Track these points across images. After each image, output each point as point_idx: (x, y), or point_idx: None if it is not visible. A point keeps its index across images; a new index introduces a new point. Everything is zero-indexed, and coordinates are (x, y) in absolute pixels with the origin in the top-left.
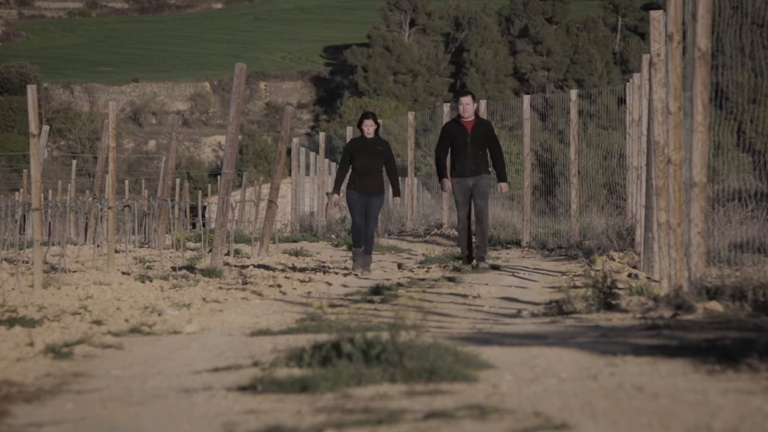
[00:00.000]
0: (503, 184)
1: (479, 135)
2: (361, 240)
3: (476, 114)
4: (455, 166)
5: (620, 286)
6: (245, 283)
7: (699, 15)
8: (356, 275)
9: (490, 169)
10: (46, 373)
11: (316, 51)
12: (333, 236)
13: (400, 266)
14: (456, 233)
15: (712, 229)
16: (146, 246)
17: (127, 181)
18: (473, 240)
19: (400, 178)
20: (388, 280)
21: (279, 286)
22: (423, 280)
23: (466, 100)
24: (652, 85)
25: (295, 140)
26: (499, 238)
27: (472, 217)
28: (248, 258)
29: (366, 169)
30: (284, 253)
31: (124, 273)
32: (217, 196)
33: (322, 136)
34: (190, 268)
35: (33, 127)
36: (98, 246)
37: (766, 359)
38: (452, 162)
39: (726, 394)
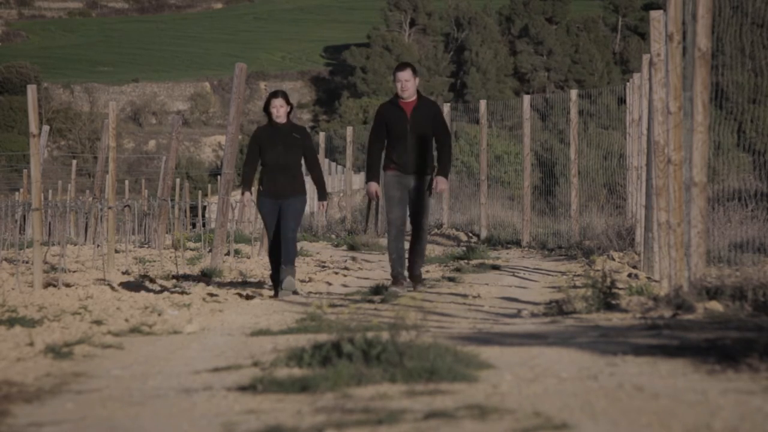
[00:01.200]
0: (440, 179)
1: (422, 120)
2: (278, 263)
3: (419, 93)
4: (393, 158)
5: (620, 286)
6: (245, 283)
7: (699, 15)
8: (281, 298)
9: (435, 165)
10: (46, 373)
11: (316, 51)
12: (333, 236)
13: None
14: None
15: (712, 229)
16: (146, 246)
17: (127, 181)
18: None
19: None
20: (388, 280)
21: None
22: (423, 279)
23: (404, 75)
24: (652, 85)
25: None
26: (499, 238)
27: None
28: (248, 258)
29: (278, 165)
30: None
31: (124, 273)
32: (217, 196)
33: (322, 136)
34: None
35: (33, 127)
36: (98, 246)
37: (766, 359)
38: (388, 154)
39: (726, 394)
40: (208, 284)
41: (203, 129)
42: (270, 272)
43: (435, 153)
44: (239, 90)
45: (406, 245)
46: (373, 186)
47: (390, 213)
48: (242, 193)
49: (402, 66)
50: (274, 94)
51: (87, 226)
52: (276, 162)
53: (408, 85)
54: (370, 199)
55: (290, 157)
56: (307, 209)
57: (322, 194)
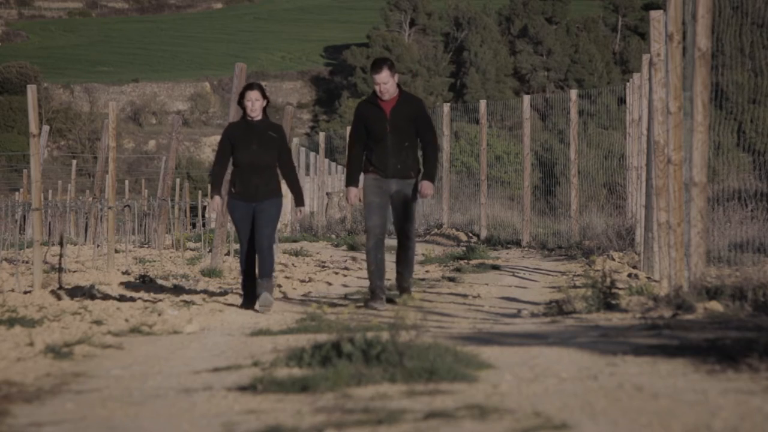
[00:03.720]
0: (425, 183)
1: (404, 118)
2: (252, 268)
3: (400, 89)
4: (372, 161)
5: (620, 286)
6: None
7: (699, 15)
8: (255, 310)
9: (421, 168)
10: (46, 373)
11: (316, 51)
12: (333, 236)
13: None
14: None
15: (711, 229)
16: (146, 246)
17: (127, 181)
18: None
19: None
20: (389, 279)
21: (279, 286)
22: (423, 280)
23: (381, 77)
24: (652, 85)
25: (295, 140)
26: (499, 238)
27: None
28: None
29: (252, 165)
30: (284, 252)
31: (124, 273)
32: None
33: (322, 136)
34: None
35: (33, 127)
36: (98, 246)
37: (766, 359)
38: (367, 156)
39: (726, 394)
40: (207, 284)
41: (203, 129)
42: (241, 280)
43: (419, 153)
44: (239, 90)
45: (389, 257)
46: (353, 191)
47: (368, 220)
48: (211, 197)
49: (378, 66)
50: (249, 86)
51: (87, 226)
52: (249, 162)
53: (387, 87)
54: (348, 204)
55: (265, 157)
56: (306, 209)
57: (299, 200)
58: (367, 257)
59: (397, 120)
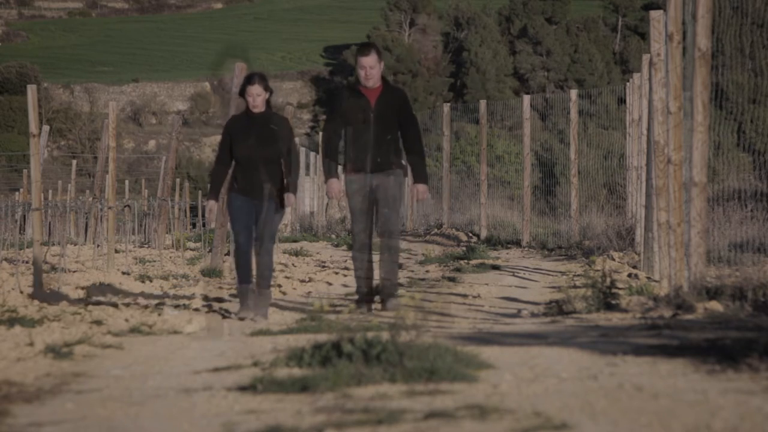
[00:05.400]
0: (420, 187)
1: (388, 109)
2: (248, 270)
3: (384, 80)
4: (350, 155)
5: (620, 286)
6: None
7: (699, 15)
8: (248, 318)
9: (403, 161)
10: (46, 373)
11: (316, 51)
12: (333, 236)
13: (399, 266)
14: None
15: (711, 229)
16: (146, 246)
17: (127, 181)
18: (381, 272)
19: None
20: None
21: (279, 286)
22: (423, 280)
23: (368, 61)
24: (652, 85)
25: (296, 140)
26: (499, 238)
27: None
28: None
29: (251, 161)
30: (284, 252)
31: (124, 273)
32: None
33: (322, 136)
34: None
35: (33, 127)
36: (98, 246)
37: (766, 359)
38: (346, 150)
39: (726, 394)
40: (208, 284)
41: (203, 129)
42: (237, 291)
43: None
44: (239, 89)
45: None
46: (335, 184)
47: (353, 226)
48: (207, 200)
49: (365, 49)
50: (250, 80)
51: (87, 226)
52: (249, 157)
53: (373, 72)
54: (330, 198)
55: (265, 152)
56: (306, 209)
57: (292, 185)
58: (354, 262)
59: (381, 110)
